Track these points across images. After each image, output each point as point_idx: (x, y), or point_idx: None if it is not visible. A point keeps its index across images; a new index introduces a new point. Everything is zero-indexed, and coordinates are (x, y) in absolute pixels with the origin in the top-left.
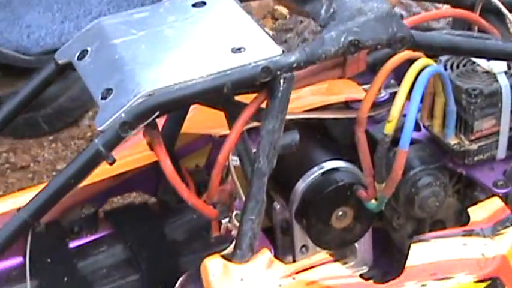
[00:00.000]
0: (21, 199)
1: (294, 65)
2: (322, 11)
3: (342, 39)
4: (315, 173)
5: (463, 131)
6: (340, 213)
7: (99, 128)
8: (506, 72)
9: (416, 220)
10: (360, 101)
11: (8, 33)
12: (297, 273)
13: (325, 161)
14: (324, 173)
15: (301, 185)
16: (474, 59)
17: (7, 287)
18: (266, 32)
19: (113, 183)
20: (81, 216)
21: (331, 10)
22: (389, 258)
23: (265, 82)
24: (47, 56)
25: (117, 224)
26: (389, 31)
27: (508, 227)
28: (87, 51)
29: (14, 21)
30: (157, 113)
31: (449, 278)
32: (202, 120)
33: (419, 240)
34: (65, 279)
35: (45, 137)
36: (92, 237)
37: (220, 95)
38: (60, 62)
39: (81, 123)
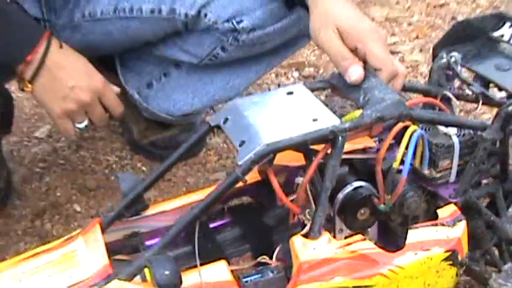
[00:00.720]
0: (193, 197)
1: (347, 129)
2: (361, 99)
3: (373, 115)
4: (348, 188)
5: (432, 166)
6: (362, 211)
7: (239, 163)
8: (456, 133)
9: (404, 216)
10: (371, 147)
11: (162, 104)
12: (344, 246)
13: (354, 181)
14: (354, 188)
15: (340, 195)
16: (438, 126)
17: (175, 249)
18: (330, 109)
19: (234, 191)
20: (216, 210)
21: (367, 98)
22: (386, 238)
23: (330, 139)
24: (183, 117)
25: (235, 214)
26: (399, 110)
27: (460, 221)
28: (228, 118)
29: (165, 98)
30: (271, 155)
31: (430, 249)
32: (284, 157)
33: (412, 228)
34: (208, 246)
35: (180, 162)
36: (221, 222)
37: (304, 146)
38: (212, 124)
39: (198, 155)
